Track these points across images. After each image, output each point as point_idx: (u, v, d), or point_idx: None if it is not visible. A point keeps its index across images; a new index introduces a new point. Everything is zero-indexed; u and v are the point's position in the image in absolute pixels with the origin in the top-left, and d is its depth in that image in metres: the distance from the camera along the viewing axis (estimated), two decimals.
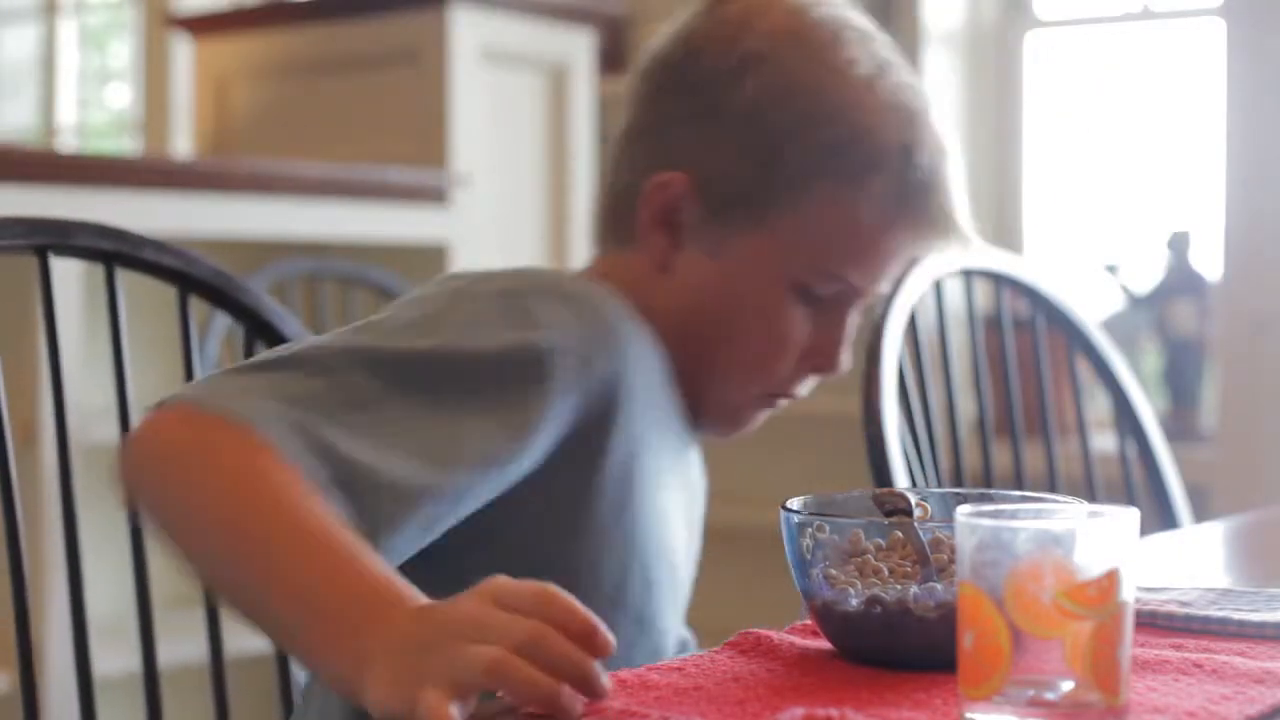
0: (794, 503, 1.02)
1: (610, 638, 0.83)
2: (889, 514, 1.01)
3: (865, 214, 1.20)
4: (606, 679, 0.82)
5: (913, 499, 1.02)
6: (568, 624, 0.82)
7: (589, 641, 0.82)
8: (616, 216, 1.27)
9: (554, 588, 0.84)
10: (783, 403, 1.28)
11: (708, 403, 1.26)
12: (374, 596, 0.88)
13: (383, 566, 0.91)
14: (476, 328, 1.09)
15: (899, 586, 0.96)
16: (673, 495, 1.24)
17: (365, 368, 1.04)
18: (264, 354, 1.08)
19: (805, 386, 1.28)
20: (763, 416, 1.29)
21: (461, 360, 1.07)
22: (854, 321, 1.27)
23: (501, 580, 0.85)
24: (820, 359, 1.25)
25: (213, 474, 0.98)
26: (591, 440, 1.14)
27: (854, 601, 0.96)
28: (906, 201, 1.21)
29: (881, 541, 0.99)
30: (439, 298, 1.13)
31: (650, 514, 1.19)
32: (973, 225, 1.26)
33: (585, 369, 1.12)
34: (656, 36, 1.27)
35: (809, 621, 1.04)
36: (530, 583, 0.84)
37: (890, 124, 1.22)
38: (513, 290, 1.13)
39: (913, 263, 1.73)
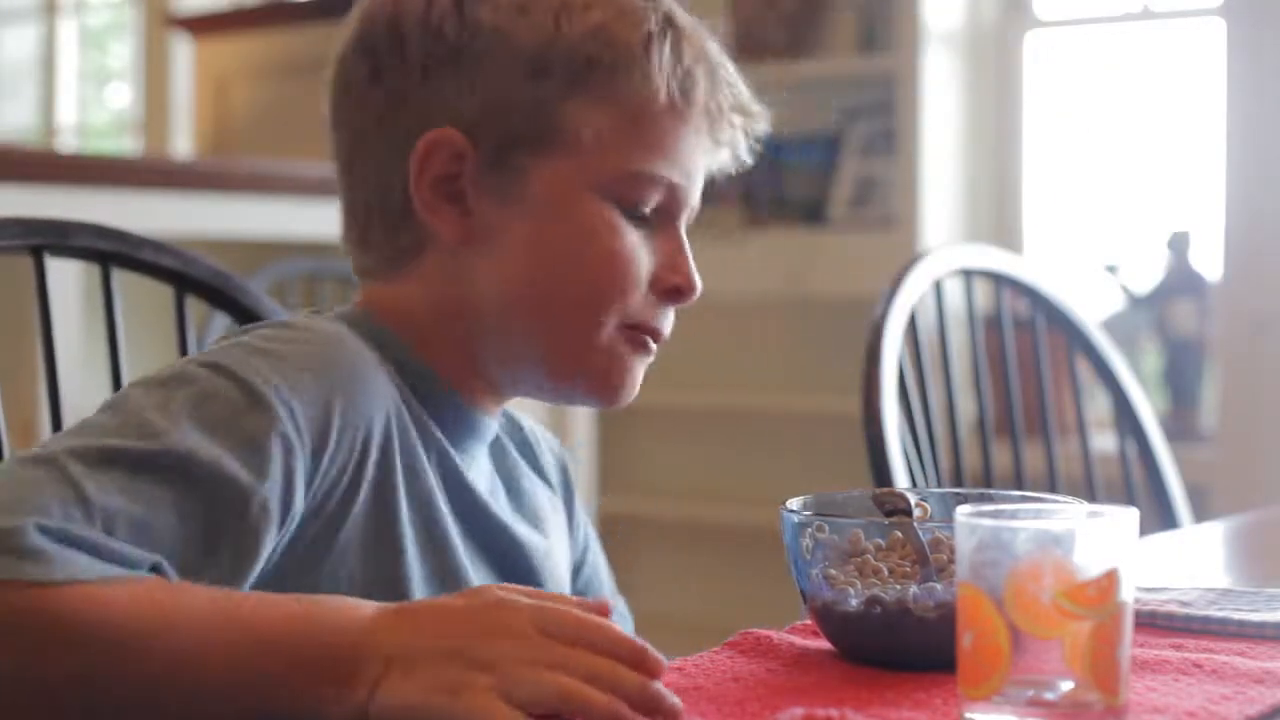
0: (794, 503, 1.02)
1: (659, 657, 0.85)
2: (889, 514, 1.01)
3: (652, 100, 1.11)
4: (673, 697, 0.84)
5: (913, 499, 1.02)
6: (617, 652, 0.84)
7: (643, 666, 0.84)
8: (373, 236, 1.14)
9: (590, 616, 0.86)
10: (654, 345, 1.16)
11: (576, 367, 1.14)
12: (337, 617, 0.87)
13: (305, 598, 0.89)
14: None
15: (899, 586, 0.96)
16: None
17: (80, 462, 0.93)
18: None
19: (667, 321, 1.16)
20: (639, 368, 1.16)
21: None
22: (683, 231, 1.16)
23: (528, 604, 0.86)
24: (673, 281, 1.14)
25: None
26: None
27: (854, 601, 0.96)
28: (688, 78, 1.12)
29: (881, 541, 0.99)
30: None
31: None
32: (755, 101, 1.17)
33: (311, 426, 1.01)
34: (337, 45, 1.16)
35: (809, 621, 1.04)
36: (564, 609, 0.86)
37: (636, 7, 1.12)
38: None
39: (913, 262, 1.73)
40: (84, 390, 2.55)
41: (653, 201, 1.13)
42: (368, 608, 0.88)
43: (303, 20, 3.50)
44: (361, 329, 1.11)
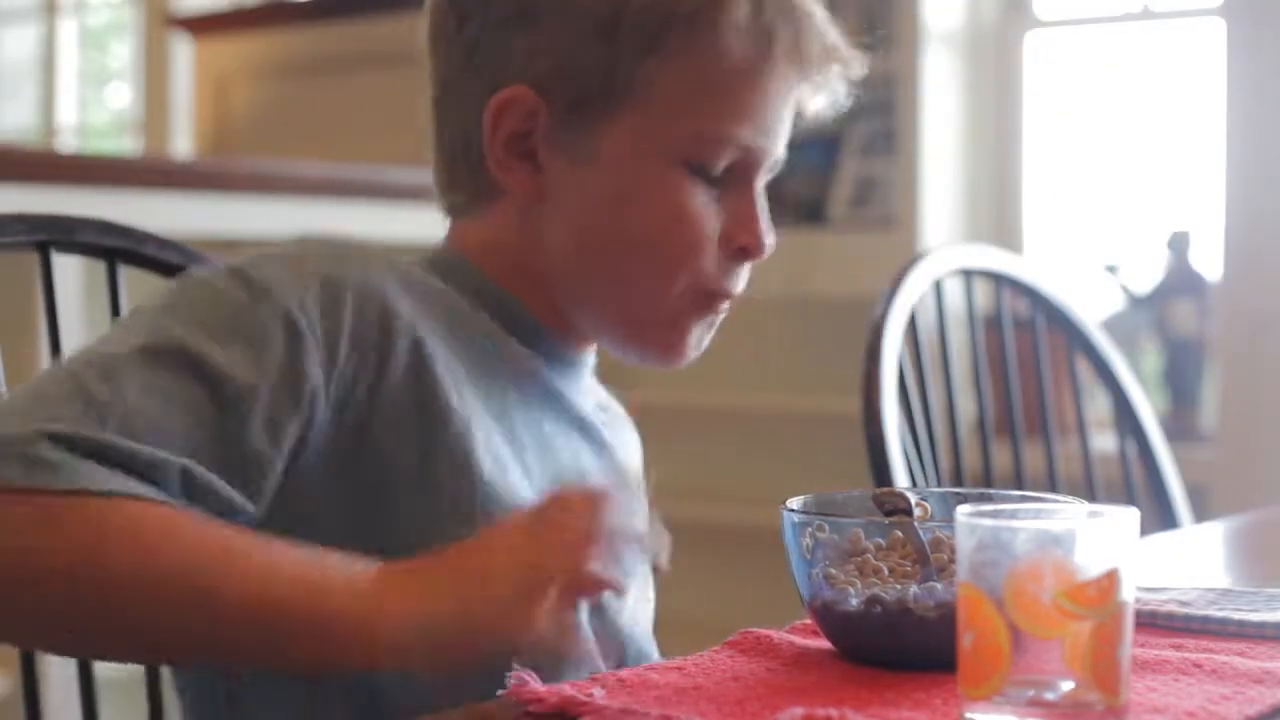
0: (794, 503, 1.02)
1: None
2: (889, 514, 1.01)
3: (727, 58, 1.10)
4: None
5: (913, 499, 1.02)
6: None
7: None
8: (458, 177, 1.16)
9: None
10: (723, 306, 1.16)
11: (641, 327, 1.15)
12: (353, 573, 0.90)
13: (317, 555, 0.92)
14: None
15: (899, 586, 0.96)
16: (521, 458, 1.12)
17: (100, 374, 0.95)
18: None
19: (739, 280, 1.15)
20: (704, 330, 1.17)
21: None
22: (763, 196, 1.16)
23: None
24: (742, 240, 1.13)
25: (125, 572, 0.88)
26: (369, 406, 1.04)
27: (854, 601, 0.96)
28: (768, 33, 1.11)
29: (881, 541, 0.99)
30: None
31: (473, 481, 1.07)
32: (852, 47, 1.17)
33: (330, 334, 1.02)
34: None
35: (809, 621, 1.04)
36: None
37: None
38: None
39: (913, 262, 1.73)
40: None
41: (725, 161, 1.12)
42: (367, 578, 0.90)
43: (303, 20, 3.50)
44: (438, 260, 1.14)
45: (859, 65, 1.17)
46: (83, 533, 0.87)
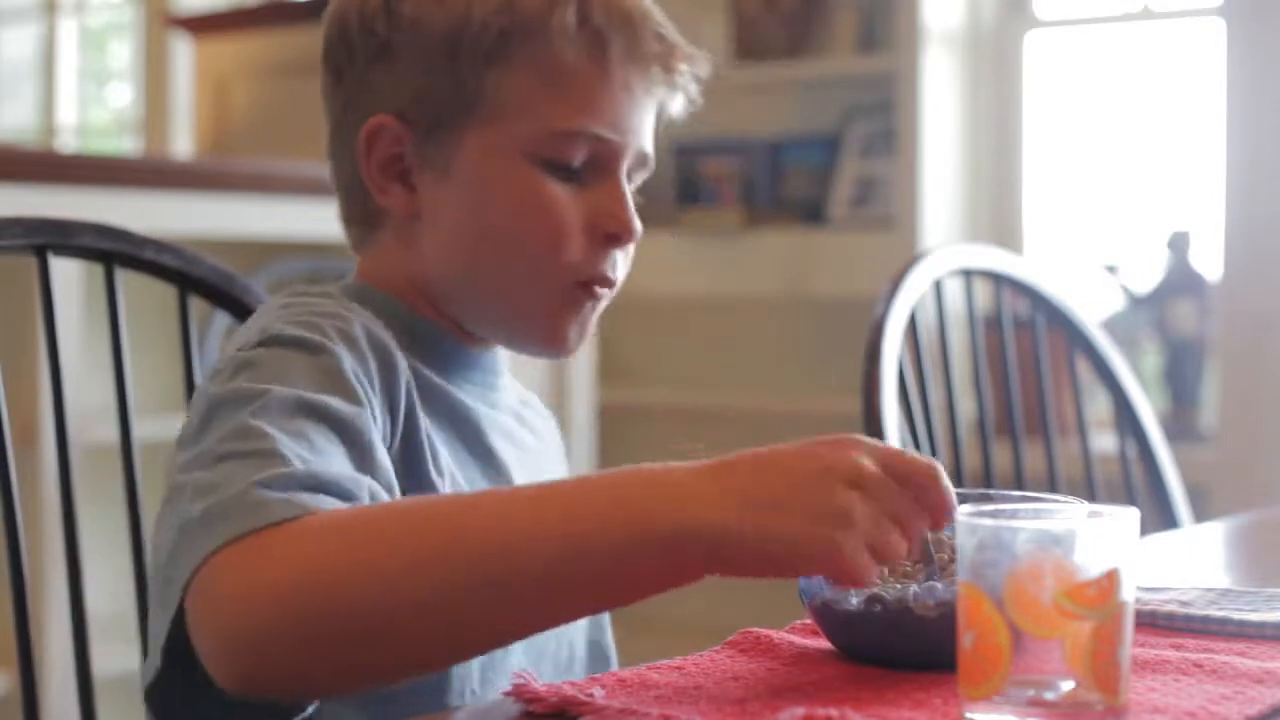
0: None
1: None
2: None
3: (563, 62, 1.16)
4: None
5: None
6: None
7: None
8: (352, 210, 1.23)
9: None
10: (604, 293, 1.20)
11: (521, 322, 1.21)
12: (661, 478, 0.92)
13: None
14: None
15: (899, 586, 0.96)
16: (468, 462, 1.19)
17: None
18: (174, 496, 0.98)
19: (614, 267, 1.20)
20: (587, 317, 1.21)
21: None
22: (626, 186, 1.20)
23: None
24: (608, 226, 1.18)
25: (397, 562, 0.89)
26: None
27: (854, 601, 0.97)
28: (599, 36, 1.17)
29: None
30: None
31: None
32: (684, 41, 1.20)
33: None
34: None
35: (809, 621, 1.04)
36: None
37: None
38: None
39: (913, 262, 1.73)
40: (86, 390, 2.56)
41: (580, 156, 1.17)
42: (678, 474, 0.92)
43: (303, 20, 3.50)
44: (362, 296, 1.18)
45: (704, 63, 1.22)
46: (364, 539, 0.89)
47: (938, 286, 1.75)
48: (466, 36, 1.16)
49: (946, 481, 0.90)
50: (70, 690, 1.33)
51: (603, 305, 1.22)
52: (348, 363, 1.05)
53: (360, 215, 1.23)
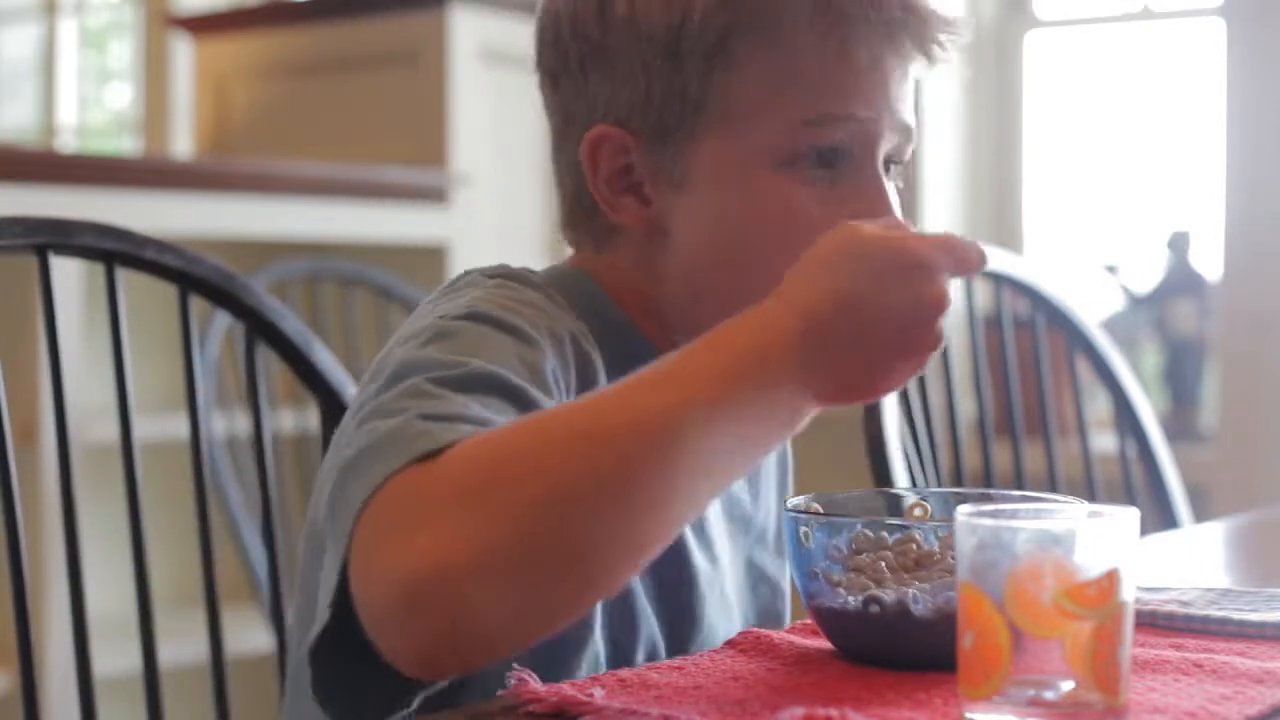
0: (794, 502, 1.02)
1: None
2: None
3: (796, 50, 1.07)
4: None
5: (913, 498, 1.02)
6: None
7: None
8: (579, 220, 1.16)
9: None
10: None
11: None
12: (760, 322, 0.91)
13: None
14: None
15: (899, 586, 0.96)
16: None
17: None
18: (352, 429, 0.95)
19: None
20: None
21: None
22: (884, 175, 1.10)
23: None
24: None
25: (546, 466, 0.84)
26: None
27: (854, 602, 0.96)
28: (840, 6, 1.07)
29: (886, 537, 0.99)
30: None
31: None
32: (939, 6, 1.10)
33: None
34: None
35: (809, 621, 1.04)
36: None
37: None
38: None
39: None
40: (86, 389, 2.56)
41: (832, 142, 1.08)
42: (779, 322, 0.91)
43: (303, 20, 3.49)
44: (579, 284, 1.14)
45: (963, 27, 1.12)
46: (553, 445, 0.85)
47: None
48: (688, 34, 1.08)
49: (982, 251, 0.93)
50: (70, 690, 1.33)
51: None
52: (550, 362, 1.01)
53: (588, 226, 1.16)
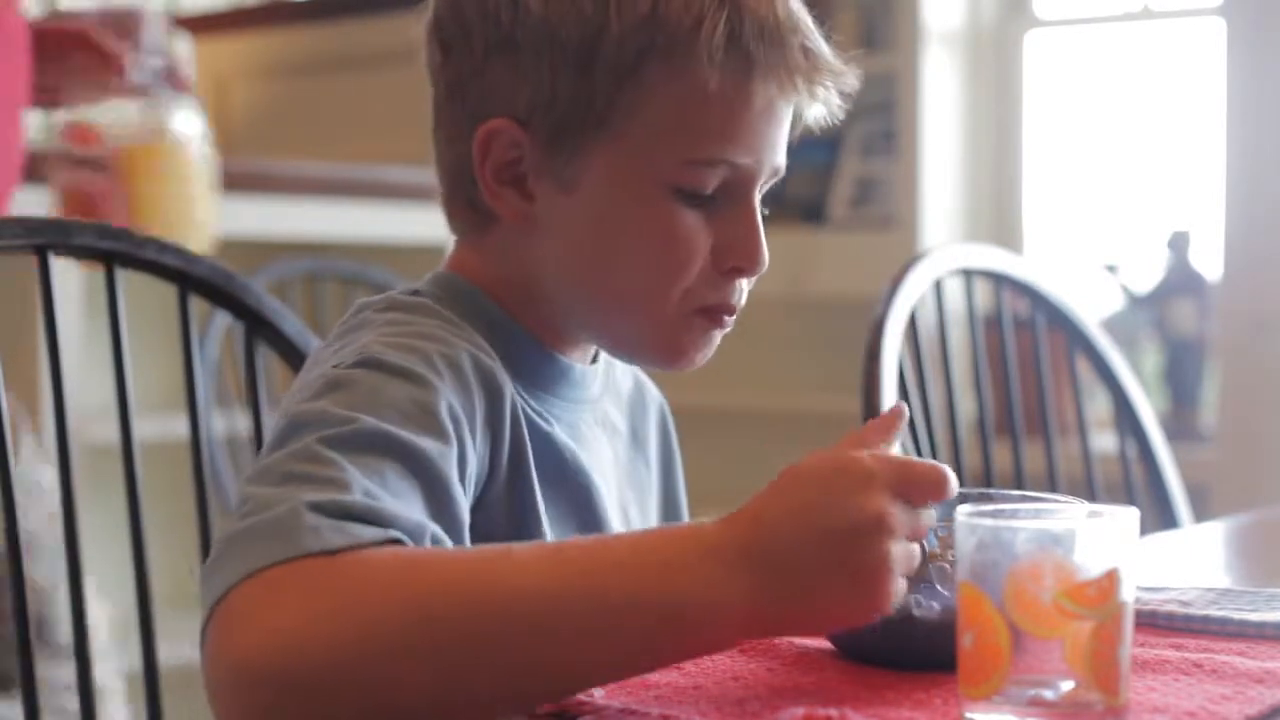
0: None
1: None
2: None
3: (706, 86, 1.08)
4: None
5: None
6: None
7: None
8: (458, 202, 1.16)
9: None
10: (727, 319, 1.17)
11: (639, 344, 1.17)
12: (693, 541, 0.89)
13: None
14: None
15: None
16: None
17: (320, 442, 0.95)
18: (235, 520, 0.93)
19: (737, 294, 1.16)
20: (711, 338, 1.18)
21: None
22: (759, 213, 1.14)
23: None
24: (736, 261, 1.13)
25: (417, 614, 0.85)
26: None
27: None
28: (746, 57, 1.09)
29: None
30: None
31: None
32: (834, 55, 1.14)
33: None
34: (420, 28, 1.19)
35: None
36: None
37: None
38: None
39: (913, 262, 1.73)
40: (86, 390, 2.56)
41: (714, 183, 1.11)
42: (707, 539, 0.89)
43: (303, 20, 3.50)
44: (455, 293, 1.14)
45: (851, 78, 1.17)
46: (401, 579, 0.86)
47: (938, 286, 1.75)
48: (604, 48, 1.08)
49: (954, 483, 0.90)
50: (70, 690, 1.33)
51: (728, 328, 1.18)
52: (446, 398, 1.01)
53: (466, 205, 1.16)
